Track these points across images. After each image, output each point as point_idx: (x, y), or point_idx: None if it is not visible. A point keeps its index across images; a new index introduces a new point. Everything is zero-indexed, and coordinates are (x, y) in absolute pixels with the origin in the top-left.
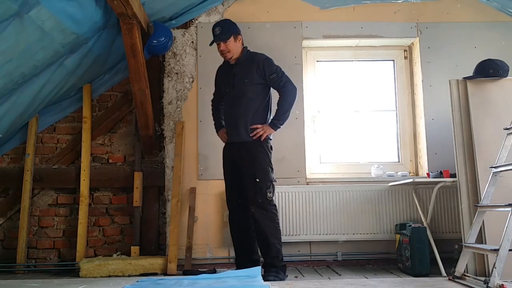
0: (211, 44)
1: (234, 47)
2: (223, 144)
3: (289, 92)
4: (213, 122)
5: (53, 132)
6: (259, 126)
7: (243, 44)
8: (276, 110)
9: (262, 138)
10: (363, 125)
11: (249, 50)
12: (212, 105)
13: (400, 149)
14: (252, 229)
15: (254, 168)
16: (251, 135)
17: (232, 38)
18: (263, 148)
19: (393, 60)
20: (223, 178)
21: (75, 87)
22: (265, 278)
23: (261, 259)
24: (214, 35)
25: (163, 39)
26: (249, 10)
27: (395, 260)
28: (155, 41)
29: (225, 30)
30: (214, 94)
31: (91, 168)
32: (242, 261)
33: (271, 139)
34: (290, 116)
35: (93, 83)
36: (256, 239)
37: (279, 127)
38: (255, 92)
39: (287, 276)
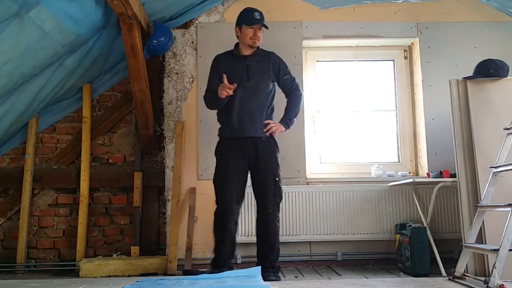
0: (252, 24)
1: (261, 37)
2: None
3: (300, 96)
4: (214, 126)
5: (53, 132)
6: (271, 122)
7: None
8: (287, 111)
9: (275, 134)
10: (363, 125)
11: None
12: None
13: (400, 149)
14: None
15: (274, 167)
16: (264, 130)
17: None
18: (276, 145)
19: (393, 60)
20: None
21: (75, 87)
22: (267, 278)
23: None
24: (254, 18)
25: (163, 39)
26: None
27: (395, 260)
28: (155, 41)
29: (263, 18)
30: (208, 90)
31: (91, 168)
32: (226, 261)
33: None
34: None
35: (93, 83)
36: (262, 240)
37: (289, 128)
38: (269, 88)
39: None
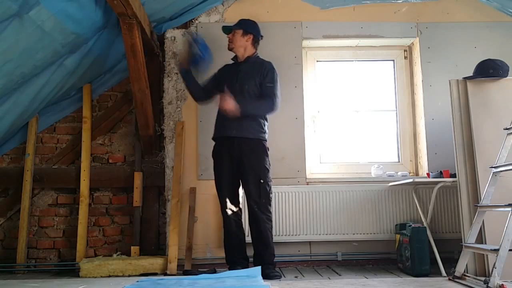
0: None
1: (238, 41)
2: None
3: (267, 105)
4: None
5: (53, 132)
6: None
7: (255, 48)
8: (252, 101)
9: (229, 110)
10: (363, 125)
11: (259, 56)
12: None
13: (400, 149)
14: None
15: (258, 168)
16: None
17: (240, 31)
18: (264, 148)
19: (393, 60)
20: None
21: (75, 87)
22: (270, 275)
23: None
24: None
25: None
26: (249, 10)
27: (395, 260)
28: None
29: (239, 23)
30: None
31: (91, 168)
32: (237, 260)
33: (266, 140)
34: (288, 117)
35: (93, 83)
36: (255, 238)
37: (244, 115)
38: (257, 88)
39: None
